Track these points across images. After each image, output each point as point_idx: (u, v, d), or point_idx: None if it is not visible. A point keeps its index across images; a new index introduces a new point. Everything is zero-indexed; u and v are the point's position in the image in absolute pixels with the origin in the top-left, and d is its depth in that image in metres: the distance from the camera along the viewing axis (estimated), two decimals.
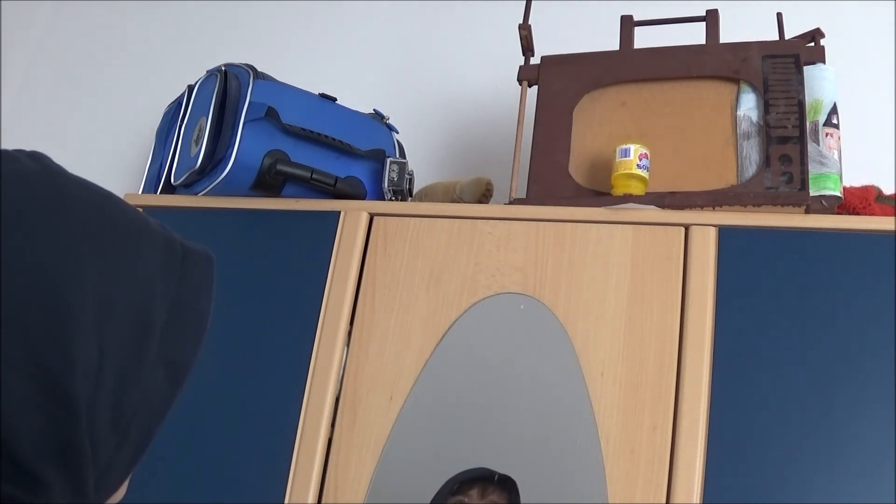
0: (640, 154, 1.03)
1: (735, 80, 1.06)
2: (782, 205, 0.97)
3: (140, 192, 1.30)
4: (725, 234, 0.97)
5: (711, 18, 1.12)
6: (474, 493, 0.92)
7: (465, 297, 1.03)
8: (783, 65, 1.04)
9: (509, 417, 0.97)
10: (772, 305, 0.92)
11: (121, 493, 0.45)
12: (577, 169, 1.10)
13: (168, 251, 0.44)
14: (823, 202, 0.98)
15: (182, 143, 1.22)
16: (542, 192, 1.08)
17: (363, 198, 1.19)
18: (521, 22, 1.18)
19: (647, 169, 1.03)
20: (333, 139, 1.18)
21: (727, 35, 1.10)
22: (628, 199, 1.02)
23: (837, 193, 0.99)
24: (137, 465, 0.43)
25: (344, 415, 1.02)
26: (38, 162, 0.40)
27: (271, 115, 1.12)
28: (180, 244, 0.45)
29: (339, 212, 1.13)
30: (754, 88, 1.04)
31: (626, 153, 1.03)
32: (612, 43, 1.16)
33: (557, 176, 1.09)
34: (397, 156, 1.25)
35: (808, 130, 1.00)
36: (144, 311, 0.41)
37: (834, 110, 1.03)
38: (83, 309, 0.37)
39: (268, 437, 1.03)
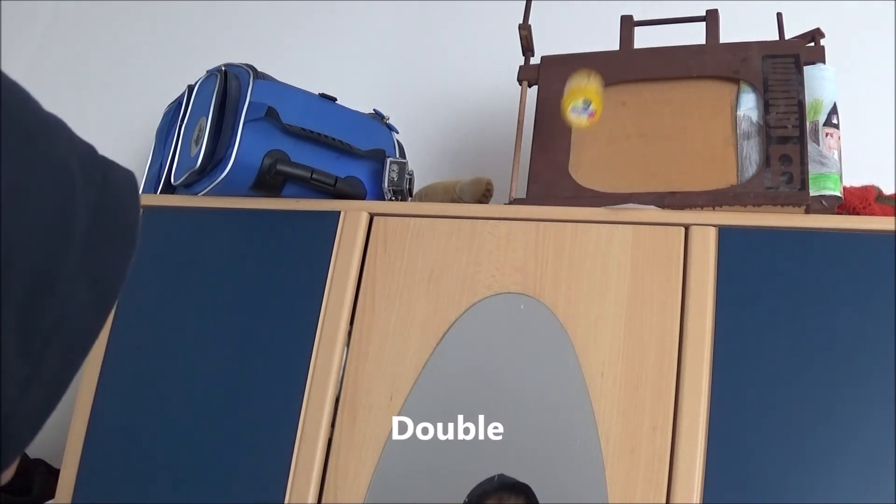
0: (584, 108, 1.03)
1: (735, 80, 1.06)
2: (782, 205, 0.97)
3: (140, 192, 1.30)
4: (725, 234, 0.97)
5: (711, 18, 1.12)
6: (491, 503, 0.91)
7: (465, 297, 1.03)
8: (783, 65, 1.04)
9: (509, 417, 0.97)
10: (772, 305, 0.92)
11: (12, 469, 0.37)
12: (577, 169, 1.10)
13: (88, 155, 0.38)
14: (823, 202, 0.98)
15: (182, 143, 1.22)
16: (542, 192, 1.08)
17: (363, 198, 1.19)
18: (521, 22, 1.18)
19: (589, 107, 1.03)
20: (333, 139, 1.18)
21: (727, 35, 1.10)
22: (629, 199, 1.02)
23: (837, 193, 0.99)
24: (51, 413, 0.35)
25: (344, 415, 1.02)
26: None
27: (271, 115, 1.12)
28: (100, 154, 0.40)
29: (339, 212, 1.13)
30: (754, 88, 1.04)
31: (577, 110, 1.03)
32: (612, 43, 1.16)
33: (557, 176, 1.09)
34: (397, 156, 1.25)
35: (808, 130, 1.00)
36: (63, 207, 0.34)
37: (834, 110, 1.03)
38: None
39: (268, 437, 1.03)
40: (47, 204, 0.33)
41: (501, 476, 0.93)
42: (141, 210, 0.42)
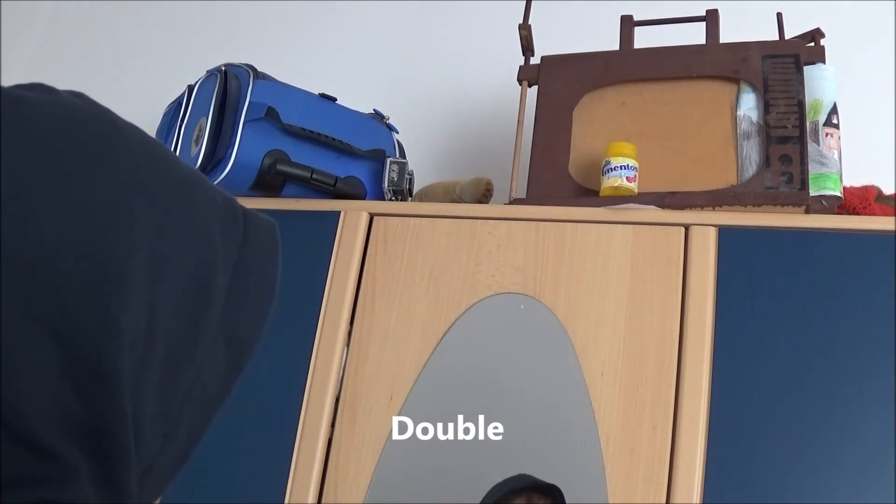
0: (623, 169, 1.03)
1: (735, 80, 1.06)
2: (782, 205, 0.97)
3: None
4: (725, 234, 0.97)
5: (711, 18, 1.12)
6: (520, 502, 0.90)
7: (465, 297, 1.03)
8: (783, 65, 1.04)
9: (509, 417, 0.97)
10: (772, 305, 0.92)
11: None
12: (577, 169, 1.10)
13: (229, 210, 0.38)
14: (823, 202, 0.98)
15: (182, 143, 1.22)
16: (542, 192, 1.08)
17: (363, 198, 1.19)
18: (521, 22, 1.18)
19: (635, 172, 1.03)
20: (333, 139, 1.18)
21: (727, 35, 1.10)
22: (628, 199, 1.02)
23: (837, 193, 0.99)
24: (186, 463, 0.36)
25: (344, 415, 1.02)
26: (82, 98, 0.35)
27: (271, 115, 1.12)
28: (241, 206, 0.39)
29: (339, 212, 1.13)
30: (754, 88, 1.04)
31: (609, 172, 1.03)
32: (612, 43, 1.16)
33: (557, 176, 1.09)
34: (397, 156, 1.25)
35: (808, 130, 1.00)
36: (205, 271, 0.34)
37: (834, 110, 1.03)
38: (133, 261, 0.30)
39: (268, 437, 1.03)
40: (188, 272, 0.34)
41: (527, 476, 0.92)
42: (280, 262, 0.41)
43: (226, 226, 0.37)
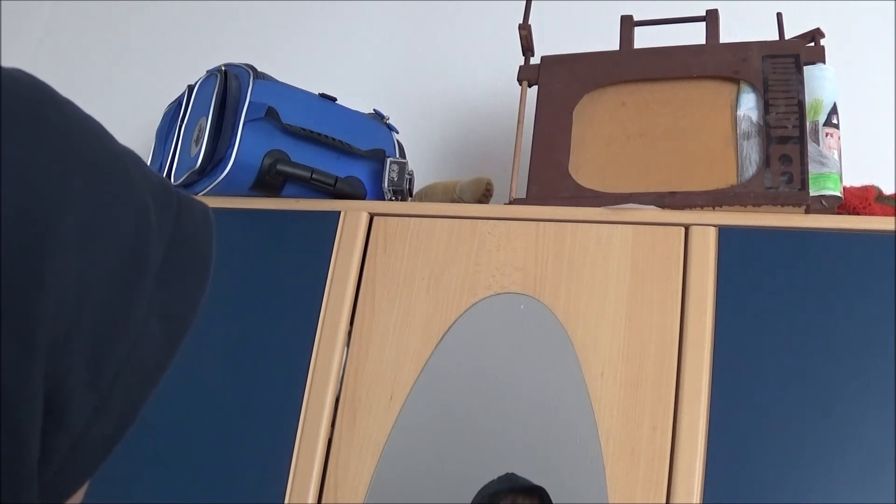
0: None
1: (735, 80, 1.06)
2: (782, 205, 0.97)
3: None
4: (725, 234, 0.97)
5: (711, 18, 1.12)
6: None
7: (465, 297, 1.03)
8: (783, 65, 1.04)
9: (509, 417, 0.97)
10: (772, 305, 0.92)
11: (79, 494, 0.36)
12: (577, 169, 1.10)
13: (163, 188, 0.38)
14: (823, 202, 0.98)
15: (182, 143, 1.22)
16: (542, 192, 1.08)
17: (363, 198, 1.19)
18: (521, 22, 1.18)
19: None
20: (333, 139, 1.18)
21: (727, 35, 1.10)
22: (629, 199, 1.02)
23: (837, 193, 0.99)
24: (119, 443, 0.35)
25: (344, 415, 1.02)
26: (21, 72, 0.36)
27: (271, 115, 1.12)
28: (174, 187, 0.40)
29: (339, 212, 1.13)
30: (754, 88, 1.04)
31: None
32: (612, 43, 1.16)
33: (557, 176, 1.09)
34: (397, 156, 1.25)
35: (808, 130, 1.00)
36: (138, 242, 0.34)
37: (834, 110, 1.03)
38: (64, 224, 0.31)
39: (268, 437, 1.03)
40: (121, 242, 0.34)
41: (515, 476, 0.93)
42: (215, 242, 0.42)
43: (159, 202, 0.37)
